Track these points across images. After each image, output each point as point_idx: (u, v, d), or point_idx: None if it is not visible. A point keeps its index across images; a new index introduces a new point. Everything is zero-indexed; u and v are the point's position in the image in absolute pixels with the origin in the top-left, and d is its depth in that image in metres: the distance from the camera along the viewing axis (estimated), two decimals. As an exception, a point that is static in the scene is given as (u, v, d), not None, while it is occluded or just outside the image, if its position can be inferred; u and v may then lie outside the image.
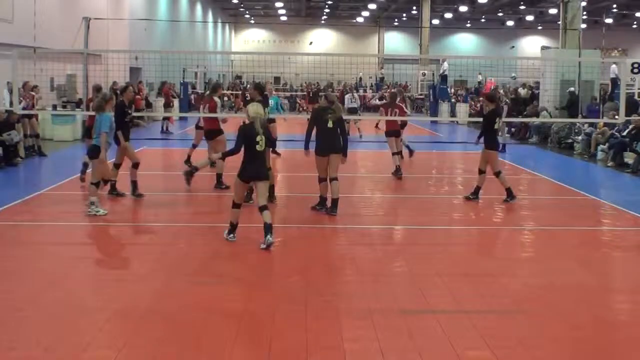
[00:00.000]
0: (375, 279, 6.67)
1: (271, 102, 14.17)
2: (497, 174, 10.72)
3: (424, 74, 36.51)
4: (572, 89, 21.51)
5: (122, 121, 10.36)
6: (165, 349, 4.92)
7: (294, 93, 39.90)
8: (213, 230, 8.74)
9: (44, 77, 18.13)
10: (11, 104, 14.39)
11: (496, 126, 10.66)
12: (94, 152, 9.29)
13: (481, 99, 30.25)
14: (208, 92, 14.08)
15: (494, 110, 10.84)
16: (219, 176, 11.34)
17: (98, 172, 9.35)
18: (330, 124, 9.24)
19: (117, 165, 10.64)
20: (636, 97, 20.75)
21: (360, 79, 43.70)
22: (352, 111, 20.65)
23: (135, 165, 10.52)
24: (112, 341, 5.13)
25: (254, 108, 7.90)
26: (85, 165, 11.27)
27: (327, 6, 50.79)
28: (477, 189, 10.86)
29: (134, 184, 10.49)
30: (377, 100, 26.10)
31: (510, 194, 10.65)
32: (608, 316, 5.95)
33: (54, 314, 5.62)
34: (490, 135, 10.65)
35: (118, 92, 11.50)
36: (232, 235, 7.86)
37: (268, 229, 7.54)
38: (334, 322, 5.50)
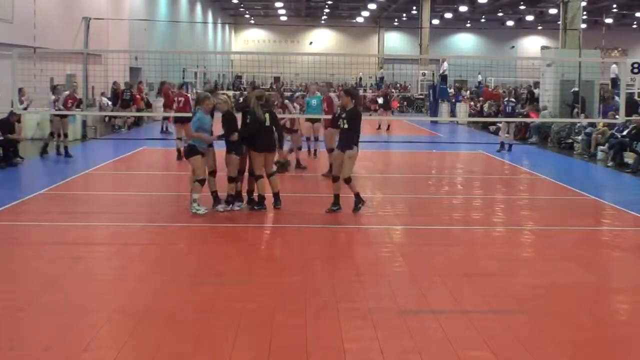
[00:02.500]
0: (375, 279, 6.67)
1: (314, 101, 14.16)
2: None
3: (424, 74, 36.51)
4: (575, 89, 21.47)
5: None
6: (165, 349, 4.92)
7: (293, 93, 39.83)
8: (213, 230, 8.75)
9: (44, 77, 18.12)
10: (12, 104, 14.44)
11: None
12: (189, 152, 9.34)
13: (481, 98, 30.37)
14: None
15: None
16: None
17: (200, 169, 9.29)
18: (267, 122, 9.41)
19: None
20: (636, 97, 20.75)
21: (360, 79, 43.71)
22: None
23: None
24: (112, 341, 5.13)
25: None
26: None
27: (327, 6, 50.80)
28: None
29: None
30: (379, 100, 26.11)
31: None
32: (608, 316, 5.95)
33: (54, 314, 5.61)
34: None
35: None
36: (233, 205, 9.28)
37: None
38: (334, 322, 5.50)
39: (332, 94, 14.73)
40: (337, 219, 9.24)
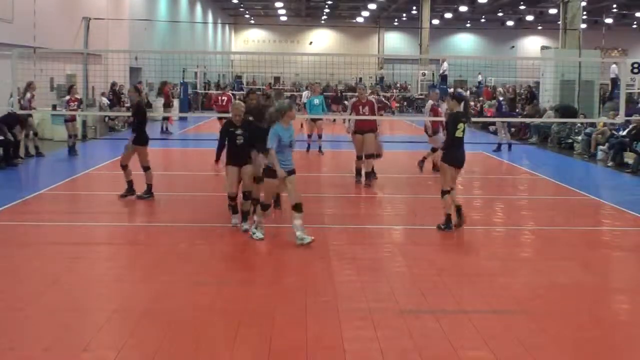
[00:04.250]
0: (375, 279, 6.67)
1: (316, 100, 14.06)
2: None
3: (424, 74, 36.51)
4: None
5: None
6: (165, 349, 4.91)
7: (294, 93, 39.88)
8: (213, 230, 8.74)
9: (44, 77, 18.13)
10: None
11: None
12: (268, 173, 7.81)
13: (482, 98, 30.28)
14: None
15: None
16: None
17: (266, 193, 8.08)
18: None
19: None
20: (636, 97, 20.74)
21: (360, 79, 43.71)
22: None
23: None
24: (112, 341, 5.13)
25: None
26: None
27: (327, 6, 50.78)
28: None
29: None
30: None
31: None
32: (608, 316, 5.95)
33: (54, 314, 5.61)
34: None
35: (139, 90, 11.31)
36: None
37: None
38: (334, 322, 5.50)
39: (372, 97, 13.39)
40: (337, 219, 9.23)
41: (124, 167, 10.33)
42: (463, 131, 8.53)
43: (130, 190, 10.34)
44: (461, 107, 8.63)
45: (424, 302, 6.00)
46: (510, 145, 17.79)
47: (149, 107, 24.42)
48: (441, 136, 12.57)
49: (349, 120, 12.42)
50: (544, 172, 14.34)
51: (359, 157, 12.19)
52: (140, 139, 10.31)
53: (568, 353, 5.07)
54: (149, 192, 10.35)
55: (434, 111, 13.70)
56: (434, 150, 13.27)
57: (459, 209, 8.55)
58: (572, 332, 5.45)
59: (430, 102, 14.04)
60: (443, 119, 12.34)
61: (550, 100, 22.22)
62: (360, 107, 12.22)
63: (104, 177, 13.21)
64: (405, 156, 16.76)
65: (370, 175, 12.21)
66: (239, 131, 8.42)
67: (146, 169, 10.37)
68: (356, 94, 13.28)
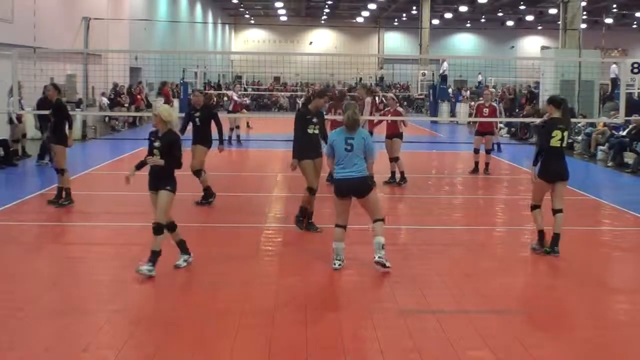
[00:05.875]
0: (375, 279, 6.67)
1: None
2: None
3: (424, 74, 36.51)
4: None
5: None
6: (165, 349, 4.92)
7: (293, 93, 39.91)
8: (213, 230, 8.75)
9: (44, 77, 18.12)
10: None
11: None
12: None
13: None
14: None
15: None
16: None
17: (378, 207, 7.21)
18: None
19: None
20: (636, 97, 20.74)
21: (360, 79, 43.70)
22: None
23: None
24: (112, 341, 5.13)
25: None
26: None
27: (327, 6, 50.79)
28: None
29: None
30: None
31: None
32: (608, 316, 5.95)
33: (53, 314, 5.61)
34: None
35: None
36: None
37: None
38: (334, 322, 5.50)
39: (368, 98, 13.43)
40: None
41: (61, 171, 9.79)
42: (561, 140, 7.50)
43: (59, 196, 9.85)
44: (559, 113, 7.63)
45: (424, 302, 6.00)
46: (499, 145, 17.82)
47: (149, 107, 24.54)
48: None
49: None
50: (544, 172, 14.32)
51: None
52: (59, 139, 9.78)
53: (568, 353, 5.07)
54: (60, 197, 9.78)
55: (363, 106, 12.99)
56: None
57: (556, 237, 7.57)
58: (572, 332, 5.45)
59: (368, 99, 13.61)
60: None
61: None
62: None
63: (103, 177, 13.21)
64: (406, 156, 16.73)
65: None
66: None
67: (60, 171, 9.78)
68: (356, 94, 13.21)
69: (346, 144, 6.81)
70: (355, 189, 6.84)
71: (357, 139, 6.83)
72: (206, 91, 14.87)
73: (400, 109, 13.30)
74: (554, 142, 7.51)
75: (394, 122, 12.38)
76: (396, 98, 16.46)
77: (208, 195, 9.97)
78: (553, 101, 7.81)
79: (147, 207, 10.08)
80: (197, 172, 9.93)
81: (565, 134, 7.55)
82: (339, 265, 6.85)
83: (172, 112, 6.73)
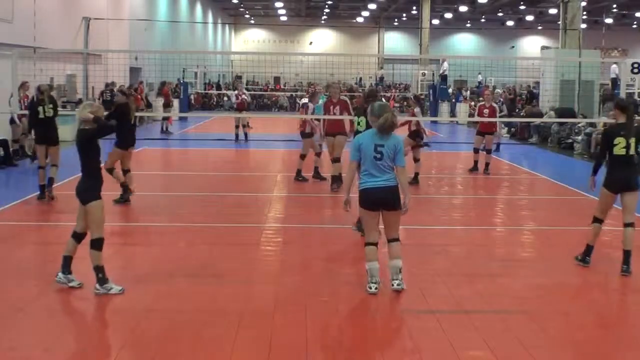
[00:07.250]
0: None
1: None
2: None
3: (424, 74, 36.51)
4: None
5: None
6: (164, 349, 4.91)
7: (293, 93, 39.93)
8: (213, 230, 8.75)
9: (44, 77, 18.13)
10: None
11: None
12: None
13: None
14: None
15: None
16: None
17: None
18: None
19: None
20: (636, 97, 20.74)
21: (361, 79, 43.71)
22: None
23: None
24: (112, 341, 5.13)
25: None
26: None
27: (327, 6, 50.77)
28: None
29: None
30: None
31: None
32: (608, 316, 5.95)
33: (54, 314, 5.62)
34: None
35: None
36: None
37: None
38: (334, 322, 5.50)
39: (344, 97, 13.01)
40: (337, 219, 9.23)
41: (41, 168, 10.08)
42: (626, 147, 6.92)
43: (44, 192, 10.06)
44: (624, 118, 7.03)
45: (424, 302, 6.00)
46: (498, 145, 17.82)
47: (149, 107, 24.54)
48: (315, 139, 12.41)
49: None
50: (544, 172, 14.34)
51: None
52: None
53: (568, 353, 5.08)
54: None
55: (305, 109, 12.80)
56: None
57: (627, 255, 6.95)
58: (572, 332, 5.45)
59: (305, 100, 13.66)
60: (314, 116, 12.28)
61: (550, 100, 22.21)
62: (332, 107, 11.65)
63: (103, 177, 13.17)
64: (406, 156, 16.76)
65: (337, 180, 11.36)
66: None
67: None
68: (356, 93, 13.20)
69: (375, 152, 6.06)
70: (386, 199, 6.11)
71: (388, 145, 6.12)
72: (135, 93, 14.06)
73: (416, 109, 13.39)
74: (618, 150, 6.98)
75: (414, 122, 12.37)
76: (415, 98, 16.50)
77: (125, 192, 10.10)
78: (620, 105, 7.20)
79: (147, 207, 10.13)
80: (110, 171, 10.01)
81: (632, 141, 6.91)
82: (376, 289, 6.03)
83: (82, 110, 6.62)
